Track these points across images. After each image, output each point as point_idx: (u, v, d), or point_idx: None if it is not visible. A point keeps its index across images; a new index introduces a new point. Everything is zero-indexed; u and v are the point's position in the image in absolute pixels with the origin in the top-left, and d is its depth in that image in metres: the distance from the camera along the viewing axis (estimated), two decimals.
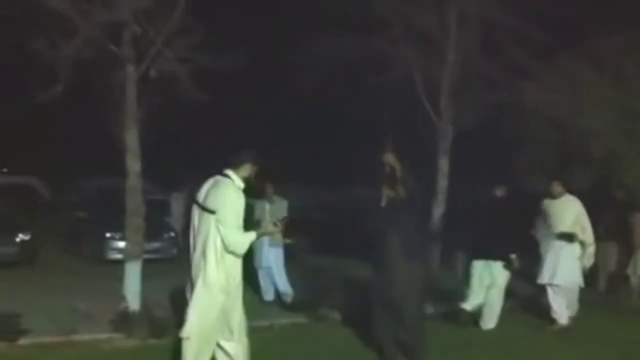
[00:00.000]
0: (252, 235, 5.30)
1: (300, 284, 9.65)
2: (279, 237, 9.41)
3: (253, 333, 7.60)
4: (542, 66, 10.68)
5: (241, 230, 5.20)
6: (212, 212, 5.10)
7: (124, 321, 7.24)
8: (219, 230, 5.07)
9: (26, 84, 8.54)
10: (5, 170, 33.66)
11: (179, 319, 7.35)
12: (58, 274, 11.01)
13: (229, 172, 5.28)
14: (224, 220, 5.06)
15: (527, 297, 9.62)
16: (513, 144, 11.93)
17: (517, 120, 11.39)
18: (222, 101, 10.46)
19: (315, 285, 9.36)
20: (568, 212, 8.47)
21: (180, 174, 15.01)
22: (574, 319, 8.53)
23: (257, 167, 5.41)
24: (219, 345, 5.48)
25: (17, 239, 12.15)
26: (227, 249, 5.12)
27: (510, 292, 8.93)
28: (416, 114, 10.52)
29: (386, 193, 6.49)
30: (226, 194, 5.14)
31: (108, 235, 12.46)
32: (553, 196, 8.54)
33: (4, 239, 11.90)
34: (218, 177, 5.29)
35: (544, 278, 8.57)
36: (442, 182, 10.58)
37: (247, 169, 5.34)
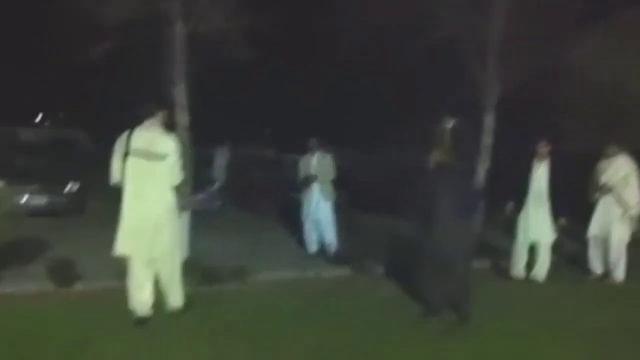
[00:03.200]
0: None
1: (345, 238, 9.78)
2: (330, 192, 9.57)
3: (299, 284, 7.92)
4: (587, 30, 10.49)
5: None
6: (163, 157, 5.96)
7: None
8: (172, 170, 6.02)
9: (74, 42, 8.66)
10: (47, 122, 34.40)
11: (226, 267, 7.68)
12: (107, 223, 11.25)
13: (152, 121, 6.07)
14: (175, 162, 6.04)
15: (573, 253, 9.67)
16: (559, 107, 11.78)
17: (564, 83, 11.19)
18: (266, 60, 10.42)
19: (359, 240, 9.50)
20: (619, 170, 8.55)
21: (224, 128, 15.21)
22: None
23: (166, 112, 6.24)
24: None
25: (67, 189, 12.44)
26: (174, 182, 6.10)
27: (557, 248, 9.02)
28: (462, 74, 10.40)
29: (437, 154, 6.53)
30: (169, 141, 6.04)
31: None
32: (607, 155, 8.63)
33: (54, 189, 12.19)
34: (144, 130, 6.02)
35: (593, 230, 8.72)
36: (487, 140, 10.49)
37: (162, 116, 6.16)
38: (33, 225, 10.41)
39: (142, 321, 6.13)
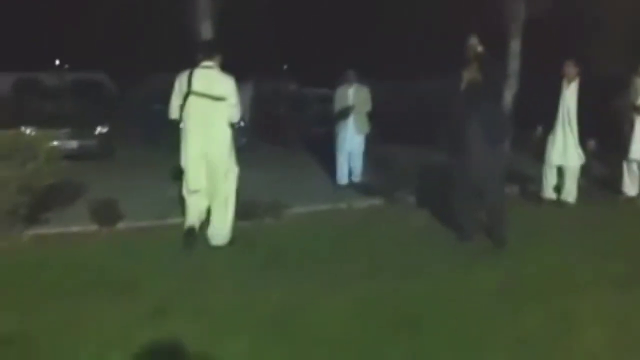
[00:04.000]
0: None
1: (376, 170, 9.88)
2: (365, 124, 9.62)
3: (333, 216, 8.09)
4: None
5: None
6: (222, 98, 6.21)
7: None
8: (229, 110, 6.29)
9: None
10: (67, 66, 34.36)
11: (261, 202, 7.84)
12: (139, 165, 11.49)
13: (209, 62, 6.33)
14: (235, 103, 6.32)
15: (603, 176, 9.71)
16: (587, 30, 11.54)
17: (590, 5, 10.95)
18: None
19: (390, 171, 9.57)
20: None
21: (245, 64, 15.11)
22: None
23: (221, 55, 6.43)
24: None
25: (96, 132, 12.60)
26: (232, 121, 6.41)
27: (587, 171, 9.07)
28: None
29: (467, 77, 6.50)
30: (229, 82, 6.30)
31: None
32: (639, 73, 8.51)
33: (84, 133, 12.34)
34: (204, 70, 6.28)
35: (635, 153, 8.69)
36: (514, 65, 10.40)
37: (219, 58, 6.41)
38: (67, 168, 10.57)
39: (191, 232, 6.53)
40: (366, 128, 9.72)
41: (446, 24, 13.41)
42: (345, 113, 9.62)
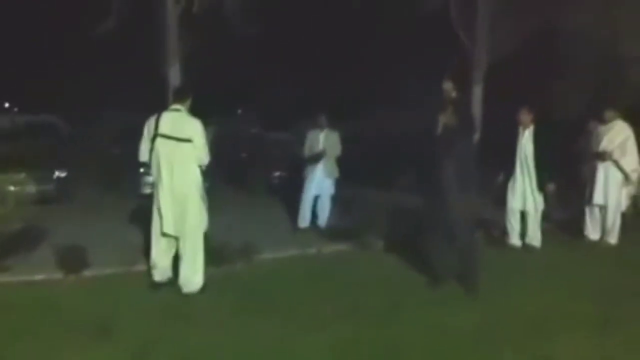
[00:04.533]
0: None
1: (342, 213, 9.90)
2: (334, 168, 9.67)
3: (301, 260, 8.05)
4: None
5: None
6: (188, 140, 6.23)
7: None
8: (196, 152, 6.30)
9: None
10: (16, 109, 33.70)
11: (230, 247, 7.76)
12: (100, 210, 11.27)
13: (178, 106, 6.42)
14: (202, 145, 6.33)
15: (565, 219, 9.93)
16: (550, 72, 11.91)
17: (555, 47, 11.32)
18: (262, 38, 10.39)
19: (356, 215, 9.61)
20: (617, 136, 8.74)
21: (207, 109, 15.08)
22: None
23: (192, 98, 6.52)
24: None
25: (54, 176, 12.32)
26: (200, 164, 6.44)
27: (548, 215, 9.28)
28: (453, 44, 10.51)
29: (443, 120, 6.61)
30: (195, 124, 6.33)
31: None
32: (604, 121, 8.80)
33: (42, 177, 12.05)
34: (171, 113, 6.38)
35: (597, 199, 8.86)
36: (477, 110, 10.64)
37: (188, 102, 6.50)
38: (26, 214, 10.33)
39: (157, 285, 6.53)
40: (336, 172, 9.78)
41: (411, 66, 13.68)
42: (316, 157, 9.67)
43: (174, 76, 8.26)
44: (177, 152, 6.29)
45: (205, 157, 6.42)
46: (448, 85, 6.57)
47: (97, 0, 8.03)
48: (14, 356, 4.69)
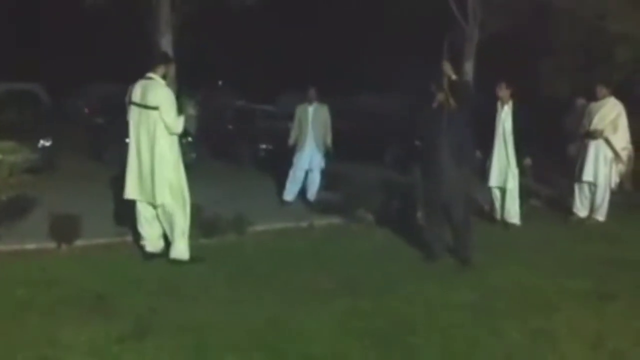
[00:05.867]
0: (182, 118, 6.43)
1: (332, 187, 9.90)
2: (327, 142, 9.66)
3: (293, 232, 8.06)
4: None
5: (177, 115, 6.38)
6: (155, 108, 6.20)
7: None
8: (163, 120, 6.22)
9: None
10: None
11: (223, 218, 7.74)
12: (85, 178, 11.15)
13: (150, 74, 6.37)
14: (167, 112, 6.23)
15: (550, 196, 10.04)
16: (539, 49, 11.93)
17: (544, 25, 11.32)
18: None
19: (346, 189, 9.62)
20: (609, 113, 8.77)
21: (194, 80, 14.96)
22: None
23: (169, 66, 6.54)
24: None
25: (39, 145, 12.14)
26: (170, 132, 6.32)
27: (532, 193, 9.37)
28: (445, 19, 10.48)
29: (439, 98, 6.62)
30: (162, 91, 6.29)
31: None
32: (595, 98, 8.83)
33: (27, 145, 11.85)
34: (144, 81, 6.36)
35: (587, 176, 8.89)
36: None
37: (161, 69, 6.43)
38: (14, 183, 10.17)
39: (149, 256, 6.56)
40: (327, 145, 9.77)
41: (398, 40, 13.64)
42: (304, 131, 9.64)
43: (166, 46, 8.15)
44: (145, 120, 6.30)
45: (174, 126, 6.33)
46: (447, 67, 6.56)
47: None
48: (12, 329, 4.63)
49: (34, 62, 24.05)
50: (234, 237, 7.61)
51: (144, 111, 6.31)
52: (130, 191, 6.51)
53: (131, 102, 6.40)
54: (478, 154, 8.53)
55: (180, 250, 6.48)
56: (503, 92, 8.43)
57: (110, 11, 9.12)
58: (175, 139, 6.46)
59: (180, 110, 6.54)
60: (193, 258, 6.51)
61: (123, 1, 8.60)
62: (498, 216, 8.73)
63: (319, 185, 9.89)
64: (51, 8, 18.78)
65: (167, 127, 6.31)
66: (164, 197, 6.40)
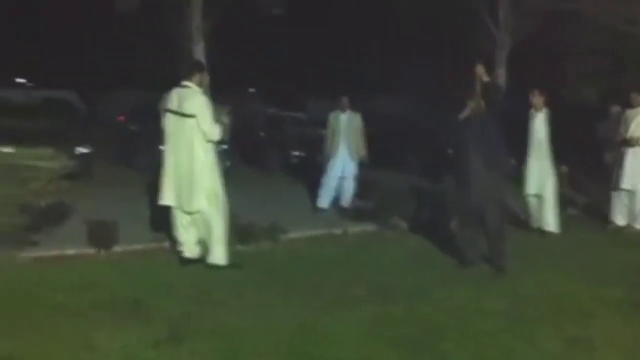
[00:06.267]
0: (218, 126, 6.47)
1: (365, 194, 9.94)
2: (360, 150, 9.72)
3: (327, 239, 8.12)
4: None
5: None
6: (192, 116, 6.28)
7: None
8: (200, 128, 6.30)
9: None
10: (30, 84, 33.72)
11: (257, 225, 7.82)
12: (121, 185, 11.33)
13: (186, 82, 6.46)
14: (204, 119, 6.30)
15: (587, 204, 9.95)
16: (568, 55, 11.85)
17: (573, 30, 11.23)
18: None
19: (379, 196, 9.65)
20: None
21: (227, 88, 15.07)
22: None
23: (204, 74, 6.63)
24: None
25: (77, 152, 12.35)
26: (207, 140, 6.40)
27: (570, 200, 9.29)
28: (477, 26, 10.46)
29: (470, 104, 6.63)
30: (198, 99, 6.37)
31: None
32: (631, 105, 8.77)
33: (64, 153, 12.04)
34: (179, 89, 6.45)
35: (626, 184, 8.80)
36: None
37: (197, 77, 6.51)
38: (54, 189, 10.34)
39: (186, 262, 6.61)
40: (359, 153, 9.82)
41: (430, 47, 13.63)
42: (337, 138, 9.71)
43: (199, 53, 8.26)
44: (181, 127, 6.39)
45: (211, 133, 6.41)
46: (480, 69, 6.56)
47: None
48: (50, 334, 4.73)
49: (67, 70, 24.54)
50: (268, 244, 7.68)
51: (181, 119, 6.40)
52: (167, 197, 6.61)
53: (167, 110, 6.50)
54: (512, 161, 8.51)
55: (218, 255, 6.56)
56: (537, 98, 8.40)
57: (141, 18, 9.24)
58: (211, 146, 6.54)
59: (216, 117, 6.67)
60: (231, 264, 6.58)
61: (155, 8, 8.72)
62: (534, 224, 8.68)
63: (352, 192, 9.93)
64: (84, 15, 19.10)
65: (204, 135, 6.40)
66: (201, 203, 6.48)
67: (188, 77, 6.55)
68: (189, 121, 6.37)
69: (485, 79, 6.54)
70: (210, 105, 6.48)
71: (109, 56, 22.53)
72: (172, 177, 6.56)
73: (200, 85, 6.58)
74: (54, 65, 25.88)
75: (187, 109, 6.37)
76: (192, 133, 6.39)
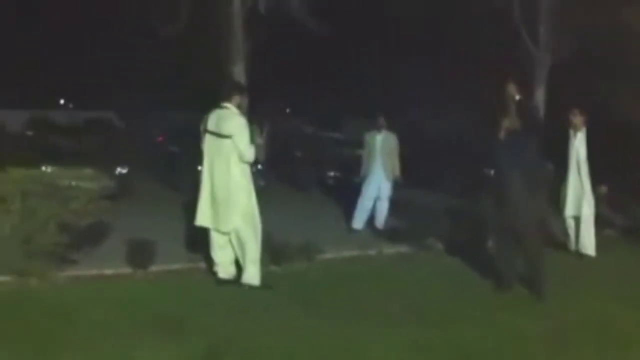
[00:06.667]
0: (253, 147, 6.60)
1: (398, 215, 9.90)
2: (396, 170, 9.70)
3: (362, 260, 8.08)
4: None
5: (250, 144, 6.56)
6: (228, 136, 6.35)
7: None
8: (237, 149, 6.36)
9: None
10: (71, 105, 34.49)
11: (291, 245, 7.83)
12: (160, 205, 11.46)
13: (225, 104, 6.53)
14: (240, 141, 6.36)
15: (624, 227, 9.75)
16: (611, 73, 11.67)
17: (617, 47, 11.07)
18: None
19: (413, 216, 9.60)
20: None
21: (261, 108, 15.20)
22: None
23: (243, 96, 6.74)
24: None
25: (117, 172, 12.58)
26: (243, 160, 6.45)
27: (608, 221, 9.11)
28: (515, 44, 10.39)
29: (506, 125, 6.56)
30: (236, 120, 6.44)
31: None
32: None
33: (105, 173, 12.24)
34: (219, 110, 6.53)
35: None
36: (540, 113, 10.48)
37: (236, 99, 6.58)
38: (92, 209, 10.50)
39: (222, 282, 6.67)
40: (394, 174, 9.80)
41: (466, 66, 13.57)
42: (373, 159, 9.70)
43: (239, 75, 8.36)
44: (218, 148, 6.46)
45: (247, 154, 6.46)
46: (512, 88, 6.50)
47: (163, 1, 8.12)
48: (89, 351, 4.79)
49: (109, 91, 25.06)
50: (303, 264, 7.67)
51: (218, 139, 6.47)
52: (202, 218, 6.67)
53: (206, 131, 6.59)
54: (550, 166, 8.36)
55: (251, 275, 6.59)
56: (577, 118, 8.29)
57: (184, 41, 9.41)
58: (247, 166, 6.61)
59: (252, 138, 6.74)
60: (263, 284, 6.60)
61: (197, 31, 8.86)
62: (572, 247, 8.53)
63: (386, 213, 9.89)
64: (126, 38, 19.51)
65: (240, 155, 6.46)
66: (236, 223, 6.53)
67: (227, 98, 6.63)
68: (226, 142, 6.44)
69: (517, 96, 6.46)
70: (247, 126, 6.56)
71: (152, 78, 22.91)
72: (208, 197, 6.62)
73: (239, 106, 6.67)
74: (96, 88, 26.49)
75: (225, 130, 6.44)
76: (229, 154, 6.46)
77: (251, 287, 6.55)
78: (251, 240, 6.60)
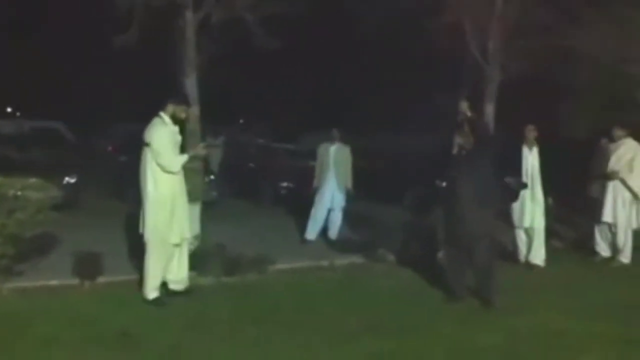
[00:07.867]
0: (183, 157, 6.52)
1: (353, 227, 9.92)
2: (348, 182, 9.73)
3: (315, 271, 8.05)
4: (593, 12, 10.65)
5: (175, 154, 6.45)
6: (147, 144, 6.30)
7: (197, 260, 7.42)
8: (154, 158, 6.29)
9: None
10: (18, 114, 33.65)
11: (244, 257, 7.76)
12: (107, 215, 11.24)
13: (160, 112, 6.46)
14: (158, 149, 6.29)
15: (573, 238, 9.95)
16: (560, 91, 11.98)
17: (565, 67, 11.37)
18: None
19: (366, 228, 9.63)
20: (625, 154, 8.78)
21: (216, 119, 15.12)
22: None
23: (180, 106, 6.55)
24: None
25: (64, 182, 12.28)
26: (163, 170, 6.34)
27: (555, 233, 9.30)
28: (466, 60, 10.57)
29: (457, 141, 6.66)
30: (156, 128, 6.34)
31: None
32: (613, 139, 8.84)
33: (52, 183, 11.95)
34: (153, 119, 6.46)
35: (606, 217, 8.85)
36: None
37: (170, 109, 6.46)
38: (38, 219, 10.24)
39: (171, 294, 6.58)
40: (347, 185, 9.82)
41: (417, 82, 13.76)
42: (326, 170, 9.72)
43: (191, 87, 8.27)
44: (144, 155, 6.40)
45: (164, 163, 6.33)
46: (464, 105, 6.61)
47: (114, 10, 8.02)
48: None
49: (59, 101, 24.56)
50: (255, 275, 7.62)
51: (145, 148, 6.40)
52: (140, 226, 6.57)
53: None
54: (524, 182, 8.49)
55: (146, 287, 6.44)
56: (530, 134, 8.47)
57: (137, 52, 9.27)
58: (167, 177, 6.40)
59: (183, 149, 6.65)
60: (157, 301, 6.40)
61: (151, 42, 8.75)
62: (522, 258, 8.68)
63: (340, 224, 9.91)
64: (80, 47, 19.20)
65: (160, 166, 6.35)
66: (145, 234, 6.44)
67: (163, 107, 6.52)
68: (147, 150, 6.36)
69: (469, 113, 6.57)
70: (169, 136, 6.40)
71: (102, 88, 22.60)
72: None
73: (173, 117, 6.49)
74: (45, 97, 25.91)
75: (147, 137, 6.37)
76: (148, 162, 6.35)
77: (144, 301, 6.39)
78: (153, 255, 6.45)
